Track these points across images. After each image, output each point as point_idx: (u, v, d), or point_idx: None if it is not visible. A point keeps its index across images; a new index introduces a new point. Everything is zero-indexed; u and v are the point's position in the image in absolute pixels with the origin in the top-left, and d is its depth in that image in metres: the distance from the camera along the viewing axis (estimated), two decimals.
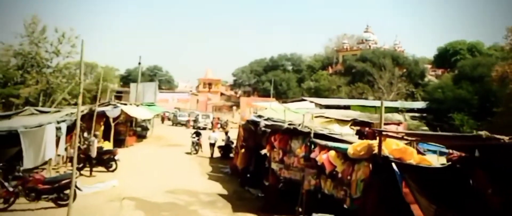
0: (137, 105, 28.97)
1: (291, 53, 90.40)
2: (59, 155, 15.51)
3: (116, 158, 18.22)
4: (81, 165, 18.15)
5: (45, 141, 12.96)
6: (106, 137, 23.25)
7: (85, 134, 18.13)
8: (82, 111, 18.23)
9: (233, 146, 27.50)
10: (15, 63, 38.34)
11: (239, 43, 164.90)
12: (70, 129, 16.20)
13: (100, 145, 18.83)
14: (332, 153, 8.92)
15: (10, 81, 37.24)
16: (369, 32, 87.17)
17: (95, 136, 18.27)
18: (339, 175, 8.56)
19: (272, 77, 65.04)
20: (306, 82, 70.00)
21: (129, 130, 28.51)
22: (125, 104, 26.01)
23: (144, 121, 36.34)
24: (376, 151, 7.52)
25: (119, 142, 26.43)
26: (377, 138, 7.61)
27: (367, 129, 10.84)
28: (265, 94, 68.03)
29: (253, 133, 17.07)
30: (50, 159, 13.88)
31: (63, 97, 37.01)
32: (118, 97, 50.64)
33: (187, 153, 26.09)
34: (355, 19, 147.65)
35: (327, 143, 9.56)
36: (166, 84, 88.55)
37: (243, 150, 17.40)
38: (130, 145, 27.71)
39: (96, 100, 22.31)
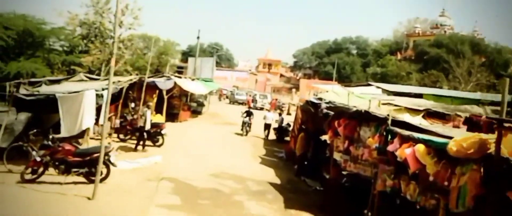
0: (192, 80, 27.60)
1: (357, 35, 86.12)
2: (101, 125, 14.23)
3: (163, 132, 16.67)
4: (127, 137, 16.98)
5: (83, 108, 11.59)
6: (158, 110, 22.06)
7: (133, 105, 16.75)
8: (131, 80, 16.96)
9: (290, 129, 25.57)
10: (80, 32, 38.47)
11: (301, 24, 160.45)
12: (116, 98, 14.89)
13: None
14: (421, 147, 6.61)
15: (75, 49, 37.38)
16: (444, 16, 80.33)
17: (148, 106, 16.80)
18: (430, 178, 6.27)
19: (335, 60, 61.90)
20: (372, 67, 65.89)
21: (183, 105, 27.23)
22: (180, 77, 24.65)
23: (200, 96, 35.23)
24: (492, 149, 5.22)
25: (172, 116, 25.25)
26: (496, 131, 5.27)
27: (483, 117, 8.29)
28: (326, 77, 65.14)
29: (312, 115, 14.90)
30: (88, 129, 12.54)
31: (125, 69, 36.75)
32: (179, 72, 49.92)
33: (239, 134, 24.34)
34: (429, 1, 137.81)
35: (412, 133, 7.21)
36: (226, 62, 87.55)
37: (301, 134, 15.25)
38: (183, 119, 26.48)
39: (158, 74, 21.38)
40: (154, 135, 16.47)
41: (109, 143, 13.52)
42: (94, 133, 14.62)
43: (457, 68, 46.98)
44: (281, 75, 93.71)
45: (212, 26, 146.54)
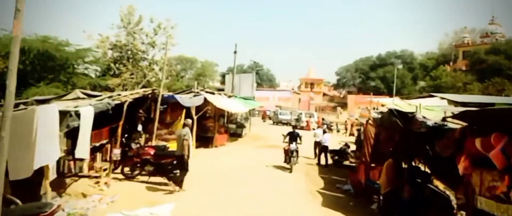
0: (229, 97, 22.75)
1: (402, 49, 79.27)
2: (80, 159, 9.41)
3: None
4: (136, 172, 12.08)
5: (36, 133, 6.77)
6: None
7: (140, 127, 11.94)
8: (138, 93, 12.16)
9: (349, 150, 20.03)
10: (111, 55, 34.97)
11: (341, 42, 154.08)
12: (112, 117, 10.10)
13: (162, 144, 12.68)
14: None
15: (107, 73, 33.87)
16: (494, 24, 72.55)
17: (186, 125, 12.12)
18: None
19: (383, 74, 55.67)
20: (425, 79, 58.95)
21: (219, 127, 22.39)
22: (212, 93, 19.81)
23: (241, 118, 30.33)
24: None
25: (205, 140, 20.38)
26: None
27: None
28: (374, 92, 58.74)
29: (400, 133, 9.48)
30: (47, 167, 7.64)
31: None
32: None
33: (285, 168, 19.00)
34: (472, 12, 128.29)
35: None
36: (267, 82, 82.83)
37: (389, 161, 9.61)
38: (219, 144, 21.52)
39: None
40: (168, 167, 11.44)
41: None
42: (74, 172, 9.83)
43: None
44: (324, 94, 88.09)
45: (252, 48, 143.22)
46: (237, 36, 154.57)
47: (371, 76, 68.23)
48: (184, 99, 14.95)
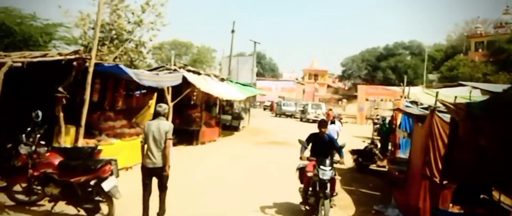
0: (222, 80, 17.54)
1: (410, 40, 73.66)
2: None
3: (107, 184, 6.20)
4: (34, 198, 6.70)
5: None
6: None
7: (39, 115, 6.55)
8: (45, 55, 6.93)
9: (377, 150, 14.89)
10: (92, 35, 29.55)
11: (345, 33, 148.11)
12: None
13: (89, 145, 7.53)
14: None
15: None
16: (509, 14, 66.97)
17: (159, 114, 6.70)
18: None
19: (394, 63, 50.29)
20: (441, 69, 53.42)
21: (207, 117, 17.30)
22: (197, 73, 14.56)
23: (239, 108, 25.17)
24: None
25: (188, 135, 15.27)
26: None
27: None
28: (385, 83, 53.53)
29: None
30: None
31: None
32: None
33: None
34: (484, 2, 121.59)
35: None
36: (270, 72, 77.33)
37: None
38: (208, 140, 16.42)
39: None
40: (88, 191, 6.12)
41: None
42: None
43: None
44: (328, 86, 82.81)
45: (253, 36, 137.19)
46: (238, 22, 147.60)
47: (381, 66, 62.60)
48: (143, 76, 9.59)
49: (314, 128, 19.94)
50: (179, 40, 43.87)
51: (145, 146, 6.19)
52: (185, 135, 15.33)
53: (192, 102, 15.73)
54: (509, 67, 43.81)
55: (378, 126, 25.40)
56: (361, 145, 19.44)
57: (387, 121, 19.23)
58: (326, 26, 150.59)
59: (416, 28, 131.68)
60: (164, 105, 6.64)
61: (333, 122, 16.39)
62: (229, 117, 21.41)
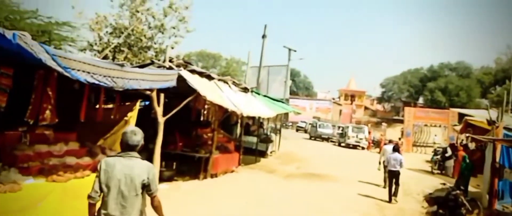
0: (244, 90, 13.07)
1: (457, 61, 67.22)
2: None
3: None
4: None
5: None
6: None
7: None
8: None
9: (464, 199, 9.79)
10: (107, 40, 26.15)
11: (384, 52, 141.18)
12: None
13: None
14: None
15: None
16: None
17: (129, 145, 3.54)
18: None
19: (444, 85, 44.38)
20: (498, 91, 47.16)
21: (223, 140, 12.88)
22: (207, 76, 10.09)
23: (268, 128, 20.68)
24: None
25: (195, 164, 10.85)
26: None
27: None
28: (432, 106, 47.73)
29: None
30: None
31: None
32: None
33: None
34: None
35: None
36: (304, 91, 72.39)
37: None
38: (222, 171, 11.89)
39: None
40: None
41: None
42: None
43: None
44: (366, 108, 77.02)
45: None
46: (270, 34, 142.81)
47: (428, 87, 56.50)
48: (77, 64, 5.06)
49: (356, 155, 14.72)
50: (206, 51, 40.21)
51: (97, 206, 3.50)
52: (190, 163, 10.94)
53: (202, 118, 11.34)
54: None
55: (438, 157, 20.35)
56: (424, 184, 14.53)
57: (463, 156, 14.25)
58: (365, 46, 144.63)
59: (461, 49, 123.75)
60: (136, 130, 3.62)
61: (396, 150, 11.69)
62: (254, 139, 16.88)
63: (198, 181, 10.40)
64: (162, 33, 24.21)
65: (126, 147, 3.49)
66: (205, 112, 11.18)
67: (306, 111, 53.77)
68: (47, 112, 5.29)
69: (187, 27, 23.60)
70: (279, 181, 12.85)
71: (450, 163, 18.95)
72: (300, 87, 70.31)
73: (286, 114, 50.81)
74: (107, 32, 23.84)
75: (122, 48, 23.26)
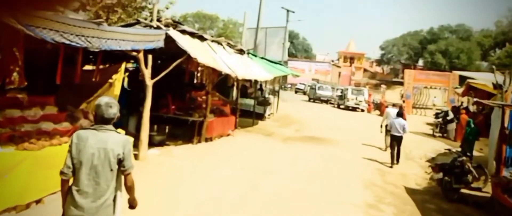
0: (240, 51, 12.33)
1: (458, 24, 65.75)
2: None
3: None
4: None
5: None
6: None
7: None
8: None
9: (470, 165, 9.35)
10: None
11: (383, 14, 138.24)
12: None
13: None
14: None
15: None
16: None
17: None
18: None
19: (445, 47, 43.34)
20: (499, 54, 46.30)
21: (218, 103, 12.32)
22: (199, 37, 9.34)
23: (267, 90, 20.12)
24: None
25: (189, 128, 10.35)
26: None
27: None
28: (433, 68, 46.92)
29: None
30: None
31: None
32: None
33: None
34: None
35: None
36: (303, 53, 71.14)
37: None
38: (218, 134, 11.40)
39: None
40: None
41: None
42: None
43: None
44: (365, 70, 76.10)
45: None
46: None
47: (429, 50, 55.46)
48: (95, 41, 4.44)
49: (356, 117, 14.36)
50: (203, 12, 38.87)
51: (71, 182, 3.18)
52: (184, 127, 10.42)
53: (196, 81, 10.73)
54: None
55: (440, 119, 19.90)
56: (429, 149, 14.12)
57: (467, 118, 13.77)
58: (363, 6, 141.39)
59: (461, 12, 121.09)
60: (111, 101, 3.25)
61: (400, 115, 11.28)
62: (252, 102, 16.29)
63: (192, 146, 9.91)
64: None
65: (101, 120, 3.19)
66: (199, 74, 10.58)
67: (305, 73, 52.95)
68: (15, 74, 4.67)
69: None
70: (277, 144, 12.40)
71: (452, 126, 18.53)
72: (299, 50, 69.15)
73: (285, 76, 50.16)
74: None
75: (115, 8, 22.30)
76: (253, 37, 20.46)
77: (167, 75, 8.46)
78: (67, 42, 4.41)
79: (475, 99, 10.80)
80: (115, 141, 3.17)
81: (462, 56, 49.38)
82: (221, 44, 10.92)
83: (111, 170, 3.14)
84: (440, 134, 18.95)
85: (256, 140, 12.49)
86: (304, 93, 41.84)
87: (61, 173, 3.13)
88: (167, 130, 10.28)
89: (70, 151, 3.14)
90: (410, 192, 8.64)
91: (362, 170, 10.02)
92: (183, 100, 11.66)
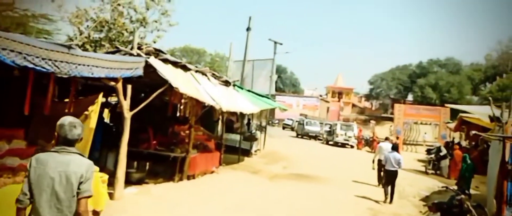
0: (225, 83, 12.19)
1: (447, 57, 67.52)
2: None
3: None
4: None
5: None
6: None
7: None
8: None
9: (469, 203, 9.09)
10: (87, 34, 24.96)
11: (371, 49, 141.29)
12: None
13: None
14: None
15: None
16: None
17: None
18: None
19: (434, 81, 44.21)
20: (491, 87, 47.31)
21: (201, 138, 12.00)
22: (182, 66, 9.12)
23: (254, 126, 19.91)
24: None
25: (171, 165, 9.97)
26: None
27: None
28: (423, 103, 47.57)
29: None
30: None
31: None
32: None
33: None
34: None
35: None
36: (291, 87, 71.74)
37: None
38: (201, 171, 10.99)
39: None
40: None
41: None
42: None
43: None
44: (353, 106, 76.79)
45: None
46: (256, 29, 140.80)
47: (418, 84, 56.52)
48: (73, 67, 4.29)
49: (345, 153, 14.31)
50: (191, 47, 39.13)
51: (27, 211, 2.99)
52: (166, 164, 10.03)
53: (179, 114, 10.47)
54: None
55: (433, 156, 19.81)
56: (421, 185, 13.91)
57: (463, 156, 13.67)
58: (353, 42, 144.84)
59: (450, 46, 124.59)
60: (75, 121, 3.14)
61: (395, 149, 11.39)
62: (236, 137, 16.01)
63: (173, 184, 9.49)
64: (144, 27, 23.30)
65: (64, 141, 3.03)
66: (182, 107, 10.31)
67: (293, 108, 53.12)
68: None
69: (170, 21, 22.73)
70: (264, 182, 12.04)
71: (445, 163, 18.43)
72: (286, 84, 69.76)
73: (272, 111, 50.05)
74: (87, 26, 22.81)
75: (103, 43, 22.28)
76: (239, 70, 20.43)
77: (148, 108, 8.19)
78: (31, 66, 4.15)
79: (473, 132, 10.66)
80: (78, 163, 3.01)
81: (453, 90, 50.33)
82: (206, 75, 10.75)
83: (73, 196, 2.97)
84: (433, 171, 18.79)
85: (242, 178, 12.12)
86: (292, 129, 41.70)
87: (17, 201, 2.94)
88: (147, 167, 9.89)
89: (28, 176, 2.97)
90: None
91: (353, 211, 9.70)
92: (166, 135, 11.33)
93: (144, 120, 9.96)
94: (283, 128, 45.98)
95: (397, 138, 30.35)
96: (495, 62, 64.94)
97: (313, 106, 59.35)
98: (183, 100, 10.12)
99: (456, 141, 26.06)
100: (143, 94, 11.91)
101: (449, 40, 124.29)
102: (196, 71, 10.23)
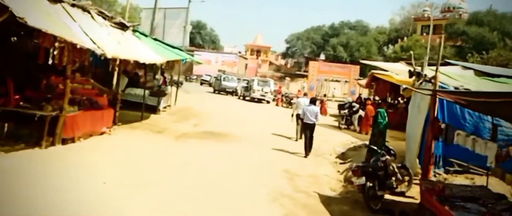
0: (121, 26, 9.58)
1: (356, 20, 68.91)
2: None
3: None
4: None
5: None
6: None
7: None
8: None
9: (395, 165, 7.69)
10: None
11: (288, 8, 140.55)
12: None
13: None
14: None
15: None
16: None
17: None
18: None
19: (346, 40, 44.36)
20: (395, 48, 48.69)
21: (84, 91, 9.39)
22: None
23: (168, 81, 17.45)
24: None
25: (33, 126, 7.30)
26: None
27: None
28: (335, 61, 47.79)
29: None
30: None
31: None
32: None
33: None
34: None
35: None
36: (210, 44, 68.58)
37: None
38: (85, 133, 8.53)
39: None
40: None
41: None
42: None
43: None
44: (270, 63, 76.29)
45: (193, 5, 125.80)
46: None
47: (331, 43, 56.92)
48: None
49: (262, 109, 12.32)
50: None
51: None
52: (34, 125, 7.38)
53: (51, 62, 7.71)
54: (465, 52, 39.53)
55: (346, 111, 19.01)
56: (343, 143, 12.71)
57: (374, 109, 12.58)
58: (272, 1, 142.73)
59: (359, 9, 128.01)
60: None
61: (312, 102, 11.49)
62: (139, 92, 13.44)
63: (39, 150, 6.95)
64: None
65: None
66: (56, 53, 7.55)
67: (212, 64, 50.54)
68: None
69: None
70: (168, 143, 9.88)
71: (356, 118, 17.69)
72: (206, 41, 66.42)
73: (191, 66, 46.92)
74: None
75: None
76: (149, 19, 17.44)
77: (11, 55, 5.51)
78: None
79: (404, 86, 9.26)
80: None
81: (362, 49, 51.18)
82: (89, 12, 8.02)
83: None
84: (346, 126, 17.99)
85: (140, 139, 9.81)
86: (210, 84, 39.42)
87: None
88: (5, 129, 7.18)
89: None
90: (326, 202, 6.78)
91: (268, 175, 7.99)
92: (37, 89, 8.53)
93: (1, 68, 7.15)
94: (201, 84, 43.55)
95: (321, 95, 29.70)
96: (398, 26, 67.68)
97: (232, 63, 57.28)
98: (57, 44, 7.36)
99: (364, 96, 25.98)
100: (15, 38, 8.89)
101: (359, 3, 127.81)
102: (73, 5, 7.48)
